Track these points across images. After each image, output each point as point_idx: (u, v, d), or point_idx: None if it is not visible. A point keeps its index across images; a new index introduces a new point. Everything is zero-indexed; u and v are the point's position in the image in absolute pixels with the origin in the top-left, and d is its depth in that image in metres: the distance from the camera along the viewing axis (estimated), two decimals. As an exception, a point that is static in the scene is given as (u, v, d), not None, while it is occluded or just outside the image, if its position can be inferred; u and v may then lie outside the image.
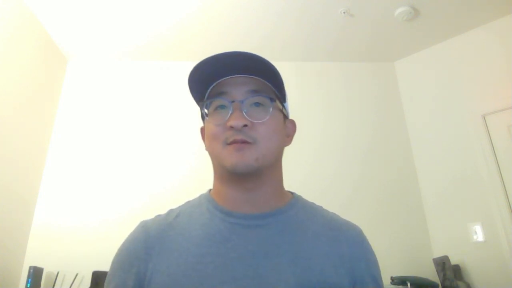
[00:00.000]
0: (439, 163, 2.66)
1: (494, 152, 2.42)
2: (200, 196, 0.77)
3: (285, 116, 0.76)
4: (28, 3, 2.40)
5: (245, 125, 0.65)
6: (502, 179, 2.35)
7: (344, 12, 2.53)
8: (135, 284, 0.63)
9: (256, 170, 0.66)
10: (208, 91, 0.72)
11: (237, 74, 0.69)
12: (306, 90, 2.95)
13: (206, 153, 0.73)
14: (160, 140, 2.76)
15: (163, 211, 0.75)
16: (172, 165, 2.68)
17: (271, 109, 0.69)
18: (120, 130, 2.77)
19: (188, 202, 0.77)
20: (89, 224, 2.46)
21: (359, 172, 2.72)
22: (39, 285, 2.20)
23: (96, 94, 2.89)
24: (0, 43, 2.18)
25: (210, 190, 0.77)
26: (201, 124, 0.79)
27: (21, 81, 2.39)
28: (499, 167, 2.38)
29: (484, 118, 2.52)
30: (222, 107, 0.69)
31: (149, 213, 0.78)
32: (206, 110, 0.71)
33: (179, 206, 0.76)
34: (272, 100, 0.69)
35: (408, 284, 2.15)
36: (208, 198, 0.74)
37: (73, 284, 2.24)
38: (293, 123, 0.79)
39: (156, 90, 2.94)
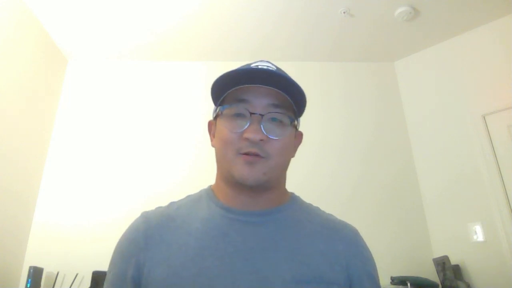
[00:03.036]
0: (439, 163, 2.66)
1: (494, 152, 2.42)
2: (201, 191, 0.78)
3: (296, 129, 0.76)
4: (28, 3, 2.40)
5: (261, 140, 0.66)
6: (502, 179, 2.35)
7: (344, 12, 2.53)
8: (134, 273, 0.65)
9: (264, 183, 0.67)
10: (227, 93, 0.71)
11: (260, 84, 0.68)
12: (306, 90, 2.92)
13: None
14: (160, 140, 2.76)
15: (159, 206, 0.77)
16: (172, 166, 2.68)
17: (288, 128, 0.70)
18: (120, 131, 2.77)
19: (189, 196, 0.78)
20: (89, 224, 2.46)
21: (359, 172, 2.72)
22: (39, 285, 2.20)
23: (96, 94, 2.89)
24: (0, 43, 2.18)
25: (210, 185, 0.78)
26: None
27: (21, 81, 2.39)
28: (499, 167, 2.38)
29: (484, 118, 2.51)
30: (240, 115, 0.68)
31: (149, 213, 0.78)
32: (221, 111, 0.71)
33: (180, 200, 0.77)
34: (291, 119, 0.70)
35: (408, 284, 2.15)
36: (209, 193, 0.75)
37: (73, 284, 2.24)
38: (301, 135, 0.79)
39: (156, 90, 2.93)
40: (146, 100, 2.89)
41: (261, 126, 0.66)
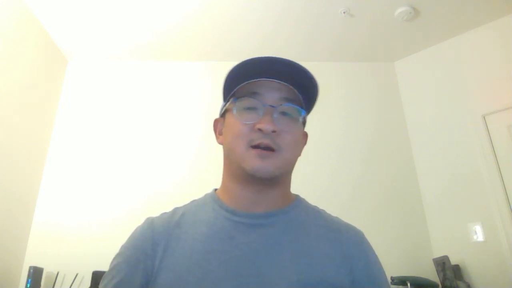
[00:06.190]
0: (439, 163, 2.66)
1: (494, 152, 2.42)
2: (206, 195, 0.78)
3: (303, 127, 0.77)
4: (28, 3, 2.40)
5: (274, 131, 0.66)
6: (502, 179, 2.35)
7: (344, 12, 2.53)
8: (142, 280, 0.64)
9: (275, 177, 0.67)
10: (237, 87, 0.71)
11: (272, 78, 0.69)
12: (306, 90, 2.95)
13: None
14: (160, 140, 2.76)
15: (163, 211, 0.76)
16: (172, 166, 2.67)
17: (300, 121, 0.70)
18: (120, 131, 2.77)
19: (194, 201, 0.78)
20: (89, 224, 2.46)
21: (359, 172, 2.72)
22: (39, 285, 2.20)
23: (96, 94, 2.89)
24: (0, 43, 2.18)
25: (215, 189, 0.78)
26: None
27: (21, 81, 2.39)
28: (499, 167, 2.38)
29: (484, 118, 2.51)
30: (252, 107, 0.69)
31: (149, 214, 0.77)
32: (233, 106, 0.71)
33: (185, 205, 0.76)
34: (302, 114, 0.71)
35: (408, 284, 2.15)
36: (214, 197, 0.75)
37: (73, 284, 2.24)
38: (306, 135, 0.80)
39: (156, 90, 2.93)
40: (146, 100, 2.89)
41: (274, 117, 0.67)
